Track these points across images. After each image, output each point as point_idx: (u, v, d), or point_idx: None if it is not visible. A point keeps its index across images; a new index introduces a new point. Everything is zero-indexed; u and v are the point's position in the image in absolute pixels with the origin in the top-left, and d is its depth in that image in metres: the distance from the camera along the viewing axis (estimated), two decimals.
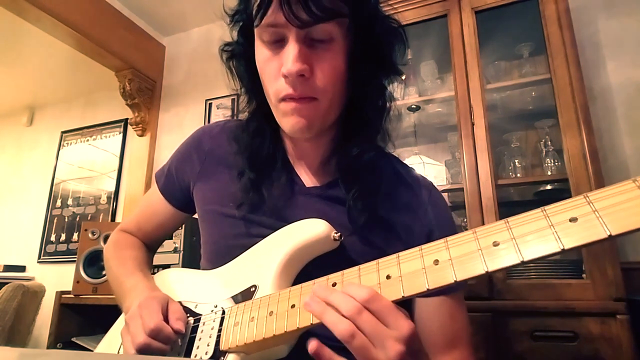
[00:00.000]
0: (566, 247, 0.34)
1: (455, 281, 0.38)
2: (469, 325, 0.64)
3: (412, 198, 0.65)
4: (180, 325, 0.54)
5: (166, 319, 0.54)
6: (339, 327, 0.40)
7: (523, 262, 0.36)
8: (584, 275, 1.19)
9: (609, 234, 0.32)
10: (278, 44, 0.54)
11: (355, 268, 0.46)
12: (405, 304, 0.47)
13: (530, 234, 0.36)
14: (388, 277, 0.43)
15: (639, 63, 1.55)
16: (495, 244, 0.38)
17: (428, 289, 0.39)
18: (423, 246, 0.42)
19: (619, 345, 1.08)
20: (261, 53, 0.57)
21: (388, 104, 0.63)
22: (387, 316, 0.40)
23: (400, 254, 0.44)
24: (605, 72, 1.59)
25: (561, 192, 1.41)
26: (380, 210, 0.62)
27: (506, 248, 0.37)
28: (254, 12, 0.53)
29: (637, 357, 1.06)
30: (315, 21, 0.50)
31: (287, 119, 0.56)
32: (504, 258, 0.37)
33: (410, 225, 0.63)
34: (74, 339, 1.73)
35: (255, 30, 0.57)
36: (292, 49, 0.52)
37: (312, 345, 0.42)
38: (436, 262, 0.40)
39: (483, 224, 1.31)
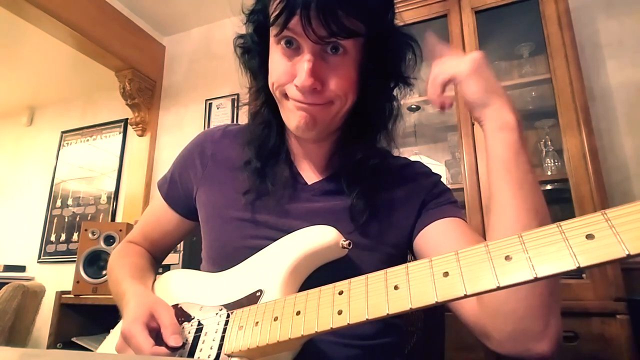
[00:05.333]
0: (582, 265, 0.32)
1: (465, 295, 0.37)
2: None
3: (403, 185, 0.67)
4: (177, 340, 0.52)
5: (159, 331, 0.53)
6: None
7: (536, 279, 0.34)
8: (584, 275, 1.19)
9: (627, 253, 0.31)
10: (293, 49, 0.56)
11: (363, 277, 0.45)
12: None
13: (545, 250, 0.35)
14: (396, 287, 0.42)
15: (639, 63, 1.55)
16: (508, 259, 0.36)
17: (437, 302, 0.38)
18: (433, 257, 0.42)
19: (619, 345, 1.08)
20: (275, 54, 0.58)
21: (395, 111, 0.65)
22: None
23: (410, 264, 0.43)
24: (605, 72, 1.59)
25: (561, 192, 1.41)
26: (378, 199, 0.63)
27: (519, 263, 0.36)
28: (272, 19, 0.54)
29: (637, 357, 1.06)
30: (334, 38, 0.52)
31: (294, 115, 0.58)
32: (517, 274, 0.35)
33: (406, 206, 0.65)
34: (74, 339, 1.73)
35: (271, 31, 0.58)
36: (306, 62, 0.53)
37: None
38: (446, 274, 0.39)
39: (483, 224, 1.31)
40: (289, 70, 0.56)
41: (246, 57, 0.65)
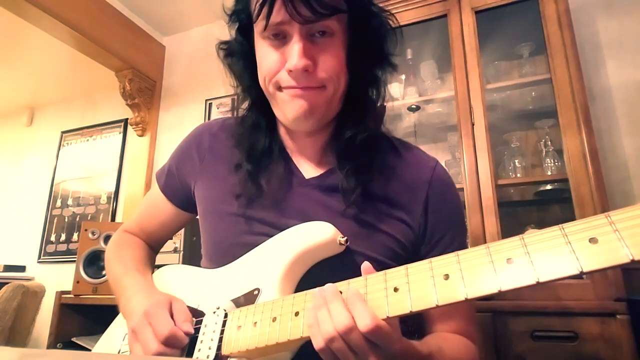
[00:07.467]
0: (585, 270, 0.32)
1: (467, 299, 0.36)
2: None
3: (412, 177, 0.65)
4: (189, 327, 0.53)
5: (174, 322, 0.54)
6: (324, 328, 0.42)
7: (538, 283, 0.33)
8: (584, 276, 1.19)
9: (631, 258, 0.30)
10: (280, 40, 0.56)
11: (362, 277, 0.45)
12: None
13: (547, 253, 0.34)
14: (395, 289, 0.41)
15: (639, 63, 1.55)
16: (509, 261, 0.35)
17: (437, 305, 0.37)
18: (433, 259, 0.41)
19: (619, 345, 1.08)
20: (262, 48, 0.58)
21: (382, 93, 0.64)
22: (380, 340, 0.40)
23: (409, 265, 0.42)
24: (605, 72, 1.59)
25: (561, 192, 1.41)
26: (377, 191, 0.62)
27: (521, 267, 0.34)
28: (255, 12, 0.55)
29: (637, 357, 1.06)
30: (317, 18, 0.52)
31: (290, 105, 0.57)
32: (519, 277, 0.34)
33: (410, 206, 0.63)
34: (74, 339, 1.73)
35: (256, 28, 0.58)
36: (296, 45, 0.54)
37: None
38: (446, 276, 0.38)
39: (483, 224, 1.31)
40: (279, 59, 0.56)
41: (230, 59, 0.65)
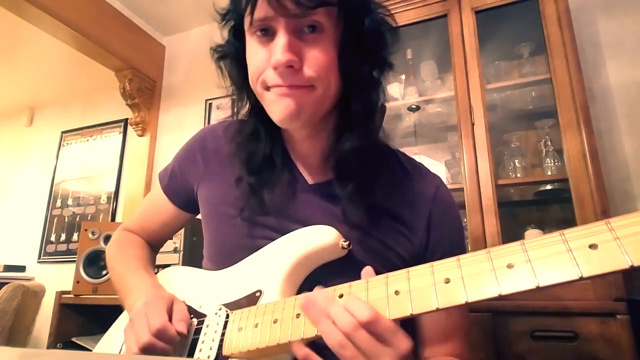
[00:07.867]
0: (585, 275, 0.32)
1: (467, 302, 0.37)
2: (466, 320, 0.64)
3: (416, 193, 0.64)
4: (183, 327, 0.54)
5: (170, 320, 0.54)
6: (332, 337, 0.42)
7: (539, 288, 0.34)
8: None
9: (630, 264, 0.30)
10: (268, 37, 0.54)
11: (363, 281, 0.45)
12: None
13: (548, 260, 0.34)
14: (396, 292, 0.42)
15: (639, 63, 1.55)
16: (510, 267, 0.36)
17: (438, 309, 0.38)
18: (434, 263, 0.41)
19: (619, 345, 1.08)
20: (251, 46, 0.56)
21: (382, 99, 0.62)
22: (385, 335, 0.41)
23: (410, 269, 0.42)
24: (605, 72, 1.59)
25: (561, 192, 1.41)
26: (380, 204, 0.61)
27: (522, 272, 0.35)
28: (243, 7, 0.54)
29: (637, 357, 1.06)
30: (303, 11, 0.50)
31: (276, 105, 0.55)
32: (519, 282, 0.35)
33: (413, 221, 0.62)
34: (74, 339, 1.73)
35: (245, 25, 0.56)
36: (280, 40, 0.51)
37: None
38: (447, 280, 0.39)
39: (483, 224, 1.31)
40: (266, 56, 0.54)
41: (223, 62, 0.64)
